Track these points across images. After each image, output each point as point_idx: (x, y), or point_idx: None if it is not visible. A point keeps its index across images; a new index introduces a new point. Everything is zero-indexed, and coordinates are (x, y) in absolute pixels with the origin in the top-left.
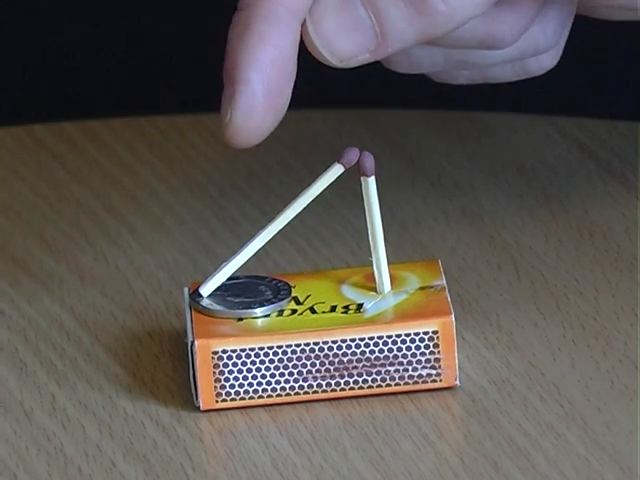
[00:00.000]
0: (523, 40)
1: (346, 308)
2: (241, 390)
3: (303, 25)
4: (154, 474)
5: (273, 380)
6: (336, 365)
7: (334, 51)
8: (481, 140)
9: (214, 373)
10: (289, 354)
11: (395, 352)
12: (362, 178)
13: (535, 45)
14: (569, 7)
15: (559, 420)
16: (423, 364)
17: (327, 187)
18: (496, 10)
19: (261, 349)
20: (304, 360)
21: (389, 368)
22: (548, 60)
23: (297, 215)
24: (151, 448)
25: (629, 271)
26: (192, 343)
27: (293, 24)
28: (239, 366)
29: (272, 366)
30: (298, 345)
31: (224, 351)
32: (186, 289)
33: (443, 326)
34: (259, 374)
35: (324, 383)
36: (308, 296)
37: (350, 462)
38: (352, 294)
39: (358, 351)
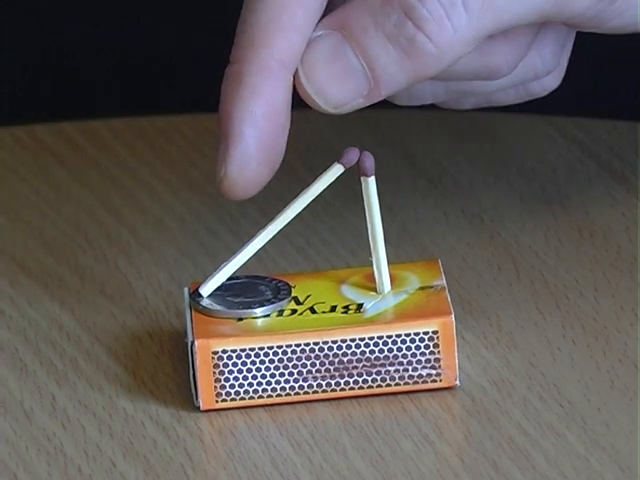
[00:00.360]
0: (521, 67)
1: (346, 308)
2: (241, 390)
3: (295, 74)
4: (154, 474)
5: (273, 380)
6: (336, 365)
7: (327, 99)
8: (481, 140)
9: (214, 373)
10: (289, 354)
11: (395, 352)
12: (362, 178)
13: (534, 71)
14: (567, 29)
15: (559, 420)
16: (423, 364)
17: (327, 187)
18: (489, 42)
19: (261, 349)
20: (304, 360)
21: (389, 368)
22: (551, 81)
23: (297, 215)
24: (151, 448)
25: (629, 271)
26: (192, 343)
27: (285, 76)
28: (239, 366)
29: (272, 366)
30: (298, 345)
31: (224, 351)
32: (186, 289)
33: (443, 326)
34: (259, 374)
35: (324, 383)
36: (308, 296)
37: (350, 462)
38: (352, 294)
39: (358, 351)
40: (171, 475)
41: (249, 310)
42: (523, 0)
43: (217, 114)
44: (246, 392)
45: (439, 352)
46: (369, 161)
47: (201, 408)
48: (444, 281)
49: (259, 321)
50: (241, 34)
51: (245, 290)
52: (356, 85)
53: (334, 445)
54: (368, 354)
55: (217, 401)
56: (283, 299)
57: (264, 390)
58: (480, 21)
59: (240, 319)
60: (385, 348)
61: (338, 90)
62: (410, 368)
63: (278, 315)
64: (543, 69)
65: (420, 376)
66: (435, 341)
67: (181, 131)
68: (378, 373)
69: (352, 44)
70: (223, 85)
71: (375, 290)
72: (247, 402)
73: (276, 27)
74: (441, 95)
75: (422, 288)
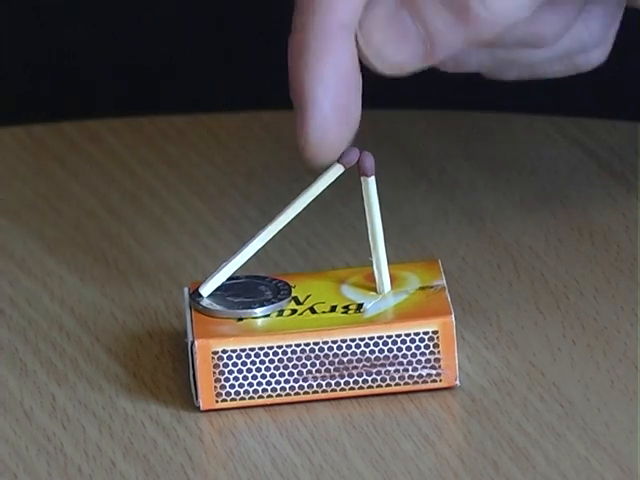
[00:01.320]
0: (568, 38)
1: (346, 308)
2: (241, 390)
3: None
4: (154, 474)
5: (273, 380)
6: (336, 365)
7: (384, 60)
8: (481, 140)
9: (214, 373)
10: (289, 354)
11: (395, 352)
12: (362, 178)
13: (581, 42)
14: (616, 2)
15: (559, 420)
16: (423, 364)
17: (327, 187)
18: (536, 11)
19: (261, 349)
20: (304, 360)
21: (389, 368)
22: (598, 55)
23: (297, 215)
24: (151, 448)
25: (629, 271)
26: (192, 343)
27: (348, 37)
28: (239, 366)
29: (272, 366)
30: (298, 345)
31: (224, 351)
32: (186, 289)
33: (443, 326)
34: (259, 374)
35: (324, 383)
36: (308, 296)
37: (350, 462)
38: (352, 294)
39: (358, 351)
40: (171, 475)
41: (249, 310)
42: None
43: (217, 114)
44: (246, 392)
45: (439, 352)
46: (369, 161)
47: (201, 408)
48: (444, 281)
49: (259, 321)
50: (302, 1)
51: (245, 290)
52: (413, 48)
53: (334, 445)
54: (368, 354)
55: (217, 401)
56: (283, 299)
57: (264, 390)
58: None
59: (240, 319)
60: (385, 348)
61: (395, 52)
62: (410, 368)
63: (278, 315)
64: (590, 41)
65: (420, 376)
66: (435, 341)
67: (181, 131)
68: (378, 373)
69: (409, 9)
70: (290, 53)
71: (375, 290)
72: (247, 402)
73: None
74: (486, 63)
75: (422, 288)
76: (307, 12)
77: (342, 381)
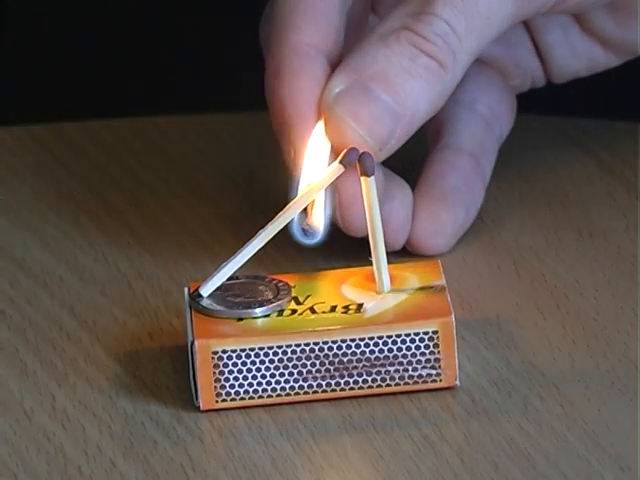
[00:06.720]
0: None
1: (346, 308)
2: (241, 390)
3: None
4: (154, 474)
5: (273, 380)
6: (336, 365)
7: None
8: None
9: (214, 373)
10: (289, 354)
11: (395, 352)
12: (362, 178)
13: None
14: None
15: (559, 420)
16: (423, 364)
17: (327, 187)
18: None
19: (261, 349)
20: (304, 360)
21: (389, 368)
22: None
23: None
24: (151, 448)
25: (629, 271)
26: (192, 343)
27: (320, 58)
28: (239, 366)
29: (272, 366)
30: (298, 345)
31: (224, 351)
32: (186, 289)
33: (443, 326)
34: (259, 374)
35: (324, 383)
36: (308, 296)
37: (350, 462)
38: (352, 294)
39: (358, 351)
40: (171, 475)
41: (249, 310)
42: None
43: (217, 114)
44: (246, 392)
45: (439, 352)
46: (369, 161)
47: (201, 408)
48: (444, 281)
49: (259, 321)
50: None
51: (245, 290)
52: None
53: (334, 445)
54: (368, 354)
55: (217, 401)
56: (283, 299)
57: (264, 390)
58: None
59: (240, 319)
60: (385, 348)
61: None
62: (410, 368)
63: (278, 315)
64: None
65: (420, 376)
66: (435, 341)
67: (181, 131)
68: (378, 373)
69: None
70: (269, 81)
71: (375, 290)
72: (247, 402)
73: (301, 14)
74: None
75: (422, 288)
76: (278, 38)
77: (342, 381)
